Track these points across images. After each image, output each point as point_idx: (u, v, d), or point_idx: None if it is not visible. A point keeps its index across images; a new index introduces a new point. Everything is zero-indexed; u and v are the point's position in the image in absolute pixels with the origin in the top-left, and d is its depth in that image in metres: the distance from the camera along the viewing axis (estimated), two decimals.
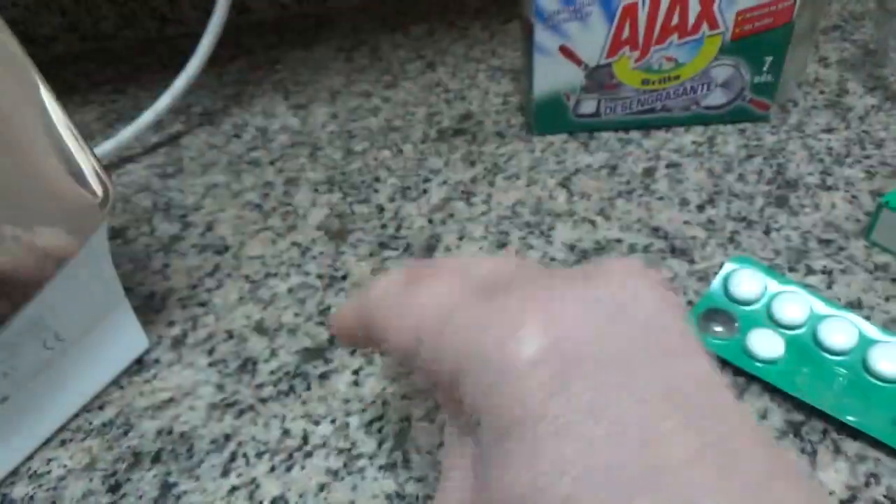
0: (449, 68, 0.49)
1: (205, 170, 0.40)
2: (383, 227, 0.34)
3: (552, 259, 0.32)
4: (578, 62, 0.37)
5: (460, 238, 0.33)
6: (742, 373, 0.26)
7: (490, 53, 0.50)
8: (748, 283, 0.27)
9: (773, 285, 0.27)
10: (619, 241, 0.32)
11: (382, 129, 0.42)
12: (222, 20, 0.43)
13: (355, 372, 0.27)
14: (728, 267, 0.28)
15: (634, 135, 0.40)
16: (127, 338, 0.27)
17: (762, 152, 0.37)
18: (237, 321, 0.30)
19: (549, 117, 0.39)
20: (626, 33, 0.36)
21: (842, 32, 0.50)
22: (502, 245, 0.32)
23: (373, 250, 0.33)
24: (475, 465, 0.15)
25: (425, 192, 0.36)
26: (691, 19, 0.36)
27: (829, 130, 0.39)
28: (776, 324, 0.27)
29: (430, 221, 0.34)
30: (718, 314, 0.27)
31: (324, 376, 0.27)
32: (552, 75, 0.38)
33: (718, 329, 0.27)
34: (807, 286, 0.28)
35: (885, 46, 0.41)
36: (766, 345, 0.25)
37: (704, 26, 0.36)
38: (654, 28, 0.36)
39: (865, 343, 0.25)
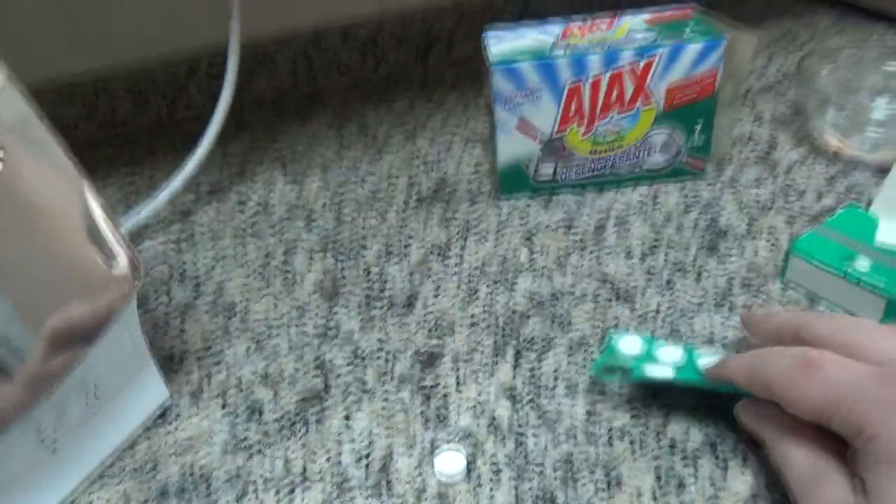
0: (427, 139, 0.55)
1: (214, 241, 0.45)
2: (370, 286, 0.40)
3: (515, 308, 0.37)
4: (534, 137, 0.43)
5: (436, 294, 0.38)
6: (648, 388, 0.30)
7: (464, 124, 0.56)
8: (630, 344, 0.31)
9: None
10: (571, 291, 0.37)
11: (368, 198, 0.48)
12: (227, 105, 0.49)
13: (346, 415, 0.32)
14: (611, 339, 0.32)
15: (589, 194, 0.45)
16: (152, 392, 0.32)
17: (698, 206, 0.43)
18: (245, 374, 0.35)
19: (512, 182, 0.45)
20: (573, 110, 0.42)
21: (775, 92, 0.56)
22: (473, 297, 0.38)
23: (361, 307, 0.38)
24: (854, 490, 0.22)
25: (406, 253, 0.42)
26: (627, 96, 0.42)
27: (759, 184, 0.44)
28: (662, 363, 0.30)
29: (411, 278, 0.40)
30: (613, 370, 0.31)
31: (319, 420, 0.32)
32: (512, 148, 0.43)
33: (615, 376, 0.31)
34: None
35: (805, 107, 0.47)
36: (660, 370, 0.29)
37: (639, 101, 0.42)
38: (597, 104, 0.42)
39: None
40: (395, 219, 0.45)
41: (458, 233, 0.43)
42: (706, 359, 0.29)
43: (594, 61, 0.40)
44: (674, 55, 0.40)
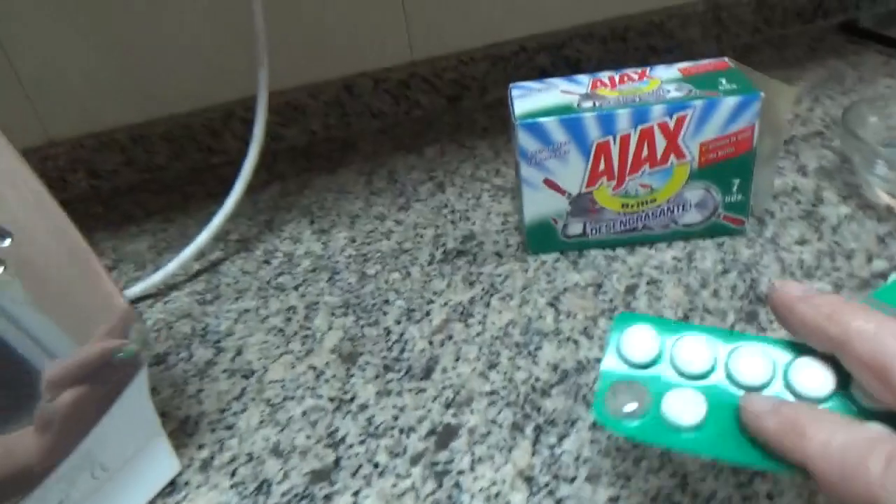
0: (457, 188, 0.54)
1: (238, 296, 0.45)
2: (389, 349, 0.38)
3: (537, 379, 0.35)
4: (562, 192, 0.41)
5: (456, 360, 0.37)
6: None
7: (494, 172, 0.55)
8: (641, 341, 0.24)
9: (669, 340, 0.25)
10: (598, 360, 0.36)
11: (394, 251, 0.47)
12: (256, 155, 0.49)
13: (355, 493, 0.31)
14: (616, 332, 0.25)
15: (620, 252, 0.43)
16: (161, 464, 0.32)
17: (737, 266, 0.41)
18: (257, 444, 0.34)
19: (540, 239, 0.43)
20: (601, 166, 0.40)
21: (822, 139, 0.53)
22: (493, 366, 0.36)
23: (378, 373, 0.37)
24: None
25: (428, 313, 0.41)
26: (659, 152, 0.40)
27: (802, 242, 0.42)
28: (687, 377, 0.24)
29: (431, 343, 0.38)
30: (626, 387, 0.24)
31: (328, 497, 0.31)
32: (539, 204, 0.42)
33: (631, 407, 0.23)
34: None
35: (852, 159, 0.44)
36: (685, 409, 0.23)
37: (672, 157, 0.40)
38: (627, 161, 0.40)
39: (783, 366, 0.23)
40: (420, 275, 0.44)
41: (482, 292, 0.42)
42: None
43: (623, 117, 0.39)
44: (707, 111, 0.38)
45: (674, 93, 0.39)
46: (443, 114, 0.68)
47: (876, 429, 0.20)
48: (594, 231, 0.43)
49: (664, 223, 0.43)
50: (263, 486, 0.32)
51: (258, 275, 0.47)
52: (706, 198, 0.42)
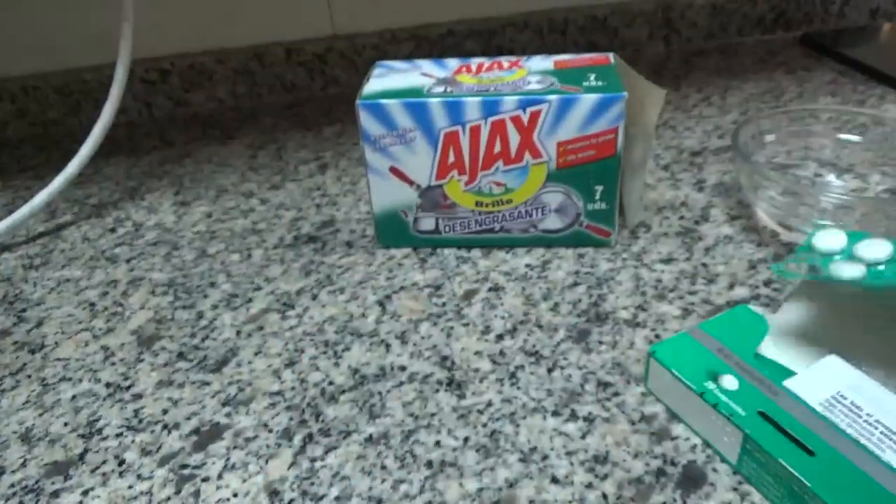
0: (338, 171, 0.50)
1: (66, 264, 0.42)
2: (192, 335, 0.35)
3: (330, 383, 0.32)
4: (410, 183, 0.38)
5: (256, 354, 0.34)
6: None
7: None
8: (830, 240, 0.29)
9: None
10: (403, 368, 0.32)
11: (245, 231, 0.44)
12: (109, 120, 0.45)
13: (85, 492, 0.27)
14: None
15: (476, 253, 0.40)
16: None
17: (589, 280, 0.37)
18: (10, 427, 0.31)
19: (390, 232, 0.40)
20: (451, 158, 0.37)
21: (731, 152, 0.49)
22: (291, 364, 0.33)
23: (168, 361, 0.34)
24: None
25: (249, 300, 0.37)
26: (513, 148, 0.36)
27: (668, 261, 0.38)
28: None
29: (238, 333, 0.35)
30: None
31: (55, 494, 0.27)
32: (387, 194, 0.39)
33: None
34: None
35: (740, 184, 0.41)
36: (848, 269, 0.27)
37: (527, 155, 0.36)
38: (479, 154, 0.37)
39: None
40: (260, 259, 0.41)
41: (315, 283, 0.38)
42: None
43: (472, 106, 0.35)
44: (564, 107, 0.35)
45: (533, 85, 0.36)
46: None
47: None
48: (447, 228, 0.40)
49: (523, 227, 0.39)
50: None
51: (97, 243, 0.44)
52: (567, 203, 0.38)
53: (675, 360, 0.28)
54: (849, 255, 0.29)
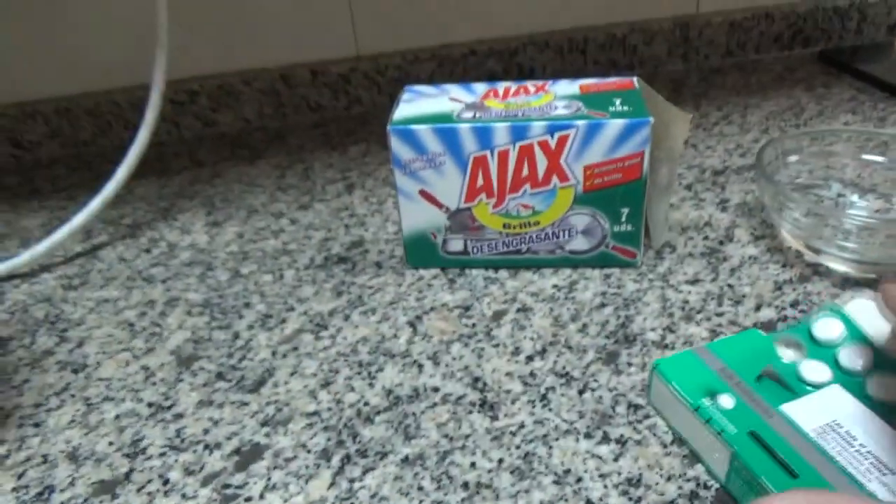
0: (364, 192, 0.51)
1: (104, 284, 0.43)
2: (230, 356, 0.36)
3: (365, 403, 0.32)
4: (439, 206, 0.39)
5: (292, 374, 0.35)
6: None
7: None
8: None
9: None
10: (436, 389, 0.33)
11: (276, 251, 0.45)
12: (147, 139, 0.47)
13: None
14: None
15: (503, 274, 0.41)
16: None
17: (616, 302, 0.38)
18: (57, 446, 0.32)
19: (419, 253, 0.41)
20: (480, 182, 0.38)
21: (755, 173, 0.50)
22: (327, 384, 0.34)
23: (208, 381, 0.35)
24: None
25: (283, 321, 0.38)
26: (541, 172, 0.37)
27: (694, 282, 0.39)
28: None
29: (274, 354, 0.36)
30: None
31: None
32: (416, 216, 0.39)
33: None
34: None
35: (763, 204, 0.41)
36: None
37: (555, 179, 0.37)
38: (506, 178, 0.37)
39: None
40: (292, 279, 0.42)
41: (347, 303, 0.39)
42: None
43: (501, 131, 0.36)
44: (592, 132, 0.36)
45: (561, 110, 0.37)
46: (382, 112, 0.66)
47: None
48: (476, 250, 0.40)
49: (550, 248, 0.40)
50: (45, 493, 0.29)
51: (133, 263, 0.45)
52: (593, 225, 0.39)
53: (676, 375, 0.29)
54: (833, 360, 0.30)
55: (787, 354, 0.30)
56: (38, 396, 0.35)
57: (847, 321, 0.30)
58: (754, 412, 0.27)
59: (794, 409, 0.27)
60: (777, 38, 0.74)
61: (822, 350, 0.30)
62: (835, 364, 0.29)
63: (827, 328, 0.30)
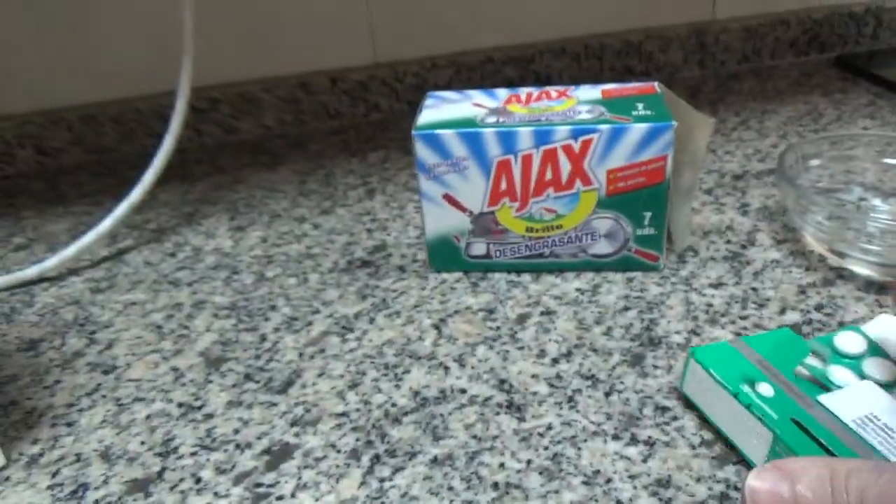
0: (386, 197, 0.52)
1: (131, 287, 0.44)
2: (257, 357, 0.37)
3: (393, 405, 0.33)
4: (463, 210, 0.39)
5: (319, 375, 0.35)
6: None
7: None
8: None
9: None
10: (462, 391, 0.33)
11: (300, 255, 0.45)
12: (172, 145, 0.48)
13: None
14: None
15: (525, 277, 0.41)
16: None
17: (640, 305, 0.38)
18: (90, 445, 0.32)
19: (442, 257, 0.41)
20: (503, 186, 0.38)
21: (774, 177, 0.50)
22: (354, 386, 0.34)
23: (237, 382, 0.35)
24: None
25: (309, 324, 0.39)
26: (564, 176, 0.37)
27: (718, 285, 0.39)
28: None
29: (301, 355, 0.36)
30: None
31: None
32: (440, 220, 0.40)
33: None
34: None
35: (786, 208, 0.41)
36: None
37: (578, 182, 0.38)
38: (530, 182, 0.38)
39: None
40: (316, 282, 0.42)
41: (371, 306, 0.40)
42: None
43: (525, 136, 0.36)
44: (615, 136, 0.36)
45: (584, 115, 0.37)
46: (401, 119, 0.66)
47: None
48: (498, 253, 0.41)
49: (572, 252, 0.40)
50: (79, 491, 0.30)
51: (159, 267, 0.46)
52: (616, 229, 0.39)
53: (714, 362, 0.29)
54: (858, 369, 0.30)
55: (814, 361, 0.30)
56: (69, 397, 0.35)
57: (868, 338, 0.31)
58: (794, 402, 0.27)
59: (832, 401, 0.27)
60: (793, 43, 0.74)
61: (847, 361, 0.30)
62: (861, 374, 0.29)
63: (849, 342, 0.30)
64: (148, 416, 0.33)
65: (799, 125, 0.59)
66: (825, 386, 0.28)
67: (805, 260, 0.41)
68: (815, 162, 0.44)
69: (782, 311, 0.37)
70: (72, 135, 0.62)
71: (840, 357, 0.30)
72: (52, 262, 0.44)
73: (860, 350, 0.30)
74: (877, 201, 0.44)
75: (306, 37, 0.64)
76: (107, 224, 0.45)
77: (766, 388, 0.28)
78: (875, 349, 0.30)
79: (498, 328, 0.37)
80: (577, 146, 0.36)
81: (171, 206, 0.53)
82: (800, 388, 0.28)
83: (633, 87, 0.40)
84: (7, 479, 0.31)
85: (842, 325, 0.35)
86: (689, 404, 0.31)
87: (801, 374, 0.29)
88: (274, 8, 0.62)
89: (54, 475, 0.31)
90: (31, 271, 0.44)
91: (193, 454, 0.31)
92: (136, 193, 0.46)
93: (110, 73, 0.62)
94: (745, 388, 0.28)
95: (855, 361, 0.30)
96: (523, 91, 0.41)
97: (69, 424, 0.33)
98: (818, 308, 0.37)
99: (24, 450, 0.32)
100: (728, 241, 0.43)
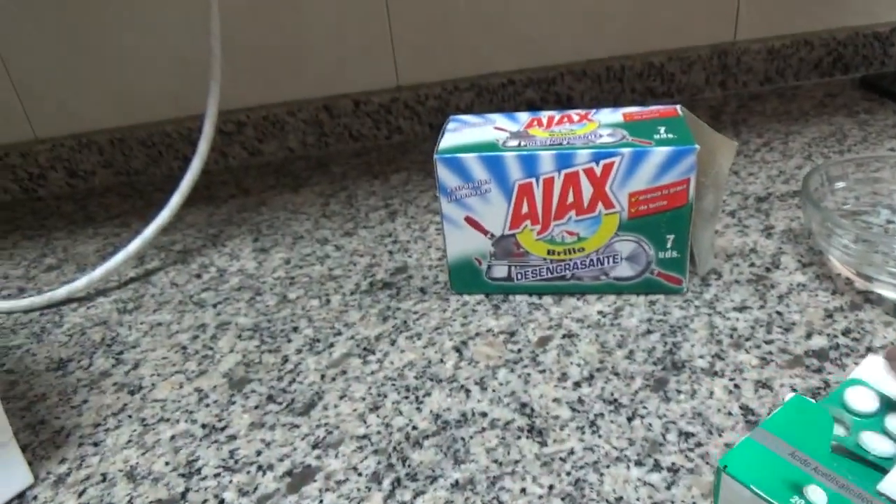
0: (407, 219, 0.52)
1: (157, 308, 0.44)
2: (280, 378, 0.37)
3: (414, 427, 0.33)
4: (485, 232, 0.39)
5: (341, 398, 0.35)
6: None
7: None
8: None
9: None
10: (484, 414, 0.33)
11: (323, 277, 0.46)
12: (199, 168, 0.49)
13: None
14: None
15: (547, 300, 0.41)
16: (9, 475, 0.31)
17: (663, 328, 0.38)
18: (116, 465, 0.33)
19: (464, 279, 0.41)
20: (525, 209, 0.38)
21: (799, 199, 0.49)
22: (375, 408, 0.34)
23: (259, 403, 0.35)
24: None
25: (331, 345, 0.39)
26: (586, 199, 0.37)
27: (742, 309, 0.39)
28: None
29: (323, 377, 0.37)
30: None
31: None
32: (462, 242, 0.40)
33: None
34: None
35: (811, 230, 0.41)
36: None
37: (600, 206, 0.38)
38: (551, 205, 0.38)
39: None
40: (338, 304, 0.43)
41: (393, 328, 0.40)
42: None
43: (546, 159, 0.37)
44: (637, 160, 0.36)
45: (605, 138, 0.37)
46: (423, 141, 0.67)
47: None
48: (520, 276, 0.41)
49: (594, 274, 0.40)
50: None
51: (185, 288, 0.46)
52: (638, 252, 0.39)
53: (750, 474, 0.26)
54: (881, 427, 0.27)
55: (840, 430, 0.28)
56: (96, 416, 0.36)
57: (879, 392, 0.29)
58: (850, 500, 0.24)
59: (889, 487, 0.25)
60: (817, 64, 0.74)
61: (867, 421, 0.28)
62: (886, 433, 0.28)
63: (862, 400, 0.28)
64: (172, 437, 0.34)
65: (824, 146, 0.58)
66: (861, 457, 0.26)
67: (831, 283, 0.40)
68: (840, 184, 0.43)
69: (809, 336, 0.36)
70: (102, 158, 0.64)
71: (860, 419, 0.28)
72: (80, 283, 0.45)
73: (875, 407, 0.28)
74: None
75: (330, 61, 0.65)
76: (135, 245, 0.46)
77: (815, 493, 0.25)
78: (889, 403, 0.28)
79: (519, 351, 0.37)
80: (598, 169, 0.36)
81: (197, 228, 0.54)
82: (847, 479, 0.25)
83: (654, 110, 0.40)
84: (35, 497, 0.31)
85: (869, 350, 0.35)
86: None
87: (838, 450, 0.27)
88: (298, 33, 0.63)
89: (80, 495, 0.31)
90: (61, 292, 0.45)
91: (216, 475, 0.31)
92: (164, 215, 0.47)
93: (139, 97, 0.63)
94: (796, 502, 0.24)
95: (875, 420, 0.28)
96: (545, 115, 0.41)
97: (95, 444, 0.34)
98: (845, 333, 0.36)
99: (52, 469, 0.33)
100: (752, 264, 0.42)
